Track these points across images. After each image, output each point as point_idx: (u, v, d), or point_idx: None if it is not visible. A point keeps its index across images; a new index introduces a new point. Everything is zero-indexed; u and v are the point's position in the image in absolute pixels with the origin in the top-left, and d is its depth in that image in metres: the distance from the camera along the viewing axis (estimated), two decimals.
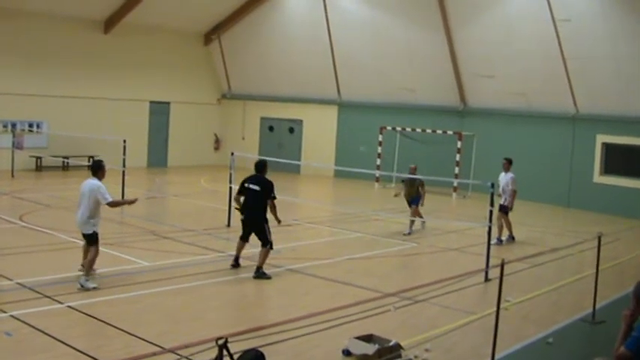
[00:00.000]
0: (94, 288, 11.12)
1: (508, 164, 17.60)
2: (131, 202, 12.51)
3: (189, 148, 33.12)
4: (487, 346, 8.71)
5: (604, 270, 12.79)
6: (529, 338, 9.91)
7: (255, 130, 33.78)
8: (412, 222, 18.32)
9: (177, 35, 31.91)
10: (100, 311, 10.02)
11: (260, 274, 12.66)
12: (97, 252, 11.48)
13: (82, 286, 11.11)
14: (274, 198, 12.92)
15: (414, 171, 18.35)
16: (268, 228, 12.92)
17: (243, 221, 13.13)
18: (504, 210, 17.45)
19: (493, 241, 17.03)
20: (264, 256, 12.80)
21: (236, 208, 13.43)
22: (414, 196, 18.44)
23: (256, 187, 12.88)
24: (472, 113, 28.38)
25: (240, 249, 13.23)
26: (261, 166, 13.22)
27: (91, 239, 11.48)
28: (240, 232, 13.25)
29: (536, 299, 12.25)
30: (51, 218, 17.61)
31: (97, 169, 11.73)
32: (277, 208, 13.04)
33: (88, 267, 11.35)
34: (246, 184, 13.02)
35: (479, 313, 10.92)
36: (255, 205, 12.91)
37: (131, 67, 30.16)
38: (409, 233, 18.14)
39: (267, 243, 12.83)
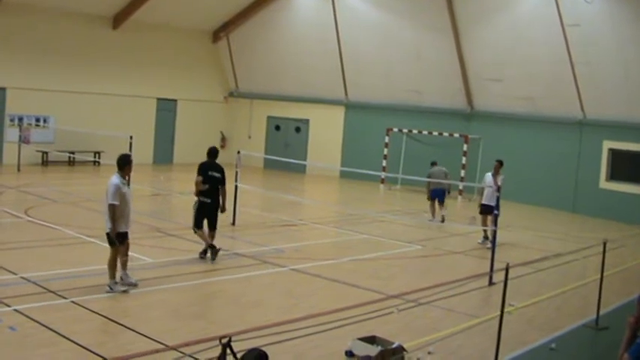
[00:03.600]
0: (125, 291, 10.99)
1: (500, 166, 17.72)
2: (112, 231, 10.88)
3: (196, 146, 33.00)
4: (490, 350, 8.72)
5: (608, 276, 12.77)
6: (532, 343, 9.90)
7: (262, 129, 33.80)
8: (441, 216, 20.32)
9: (185, 33, 31.95)
10: (103, 307, 10.04)
11: (216, 250, 13.58)
12: (114, 252, 10.98)
13: (110, 289, 10.86)
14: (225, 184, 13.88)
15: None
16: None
17: (205, 207, 13.65)
18: (489, 210, 16.75)
19: (479, 240, 17.71)
20: (214, 237, 13.77)
21: (206, 202, 13.80)
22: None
23: (218, 175, 13.69)
24: (479, 116, 28.35)
25: (206, 236, 13.70)
26: (216, 153, 14.15)
27: (109, 240, 10.97)
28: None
29: (540, 304, 12.23)
30: (56, 213, 17.64)
31: (123, 164, 11.10)
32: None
33: (111, 270, 10.98)
34: (209, 173, 13.69)
35: (482, 317, 10.91)
36: (215, 191, 13.71)
37: (139, 63, 30.21)
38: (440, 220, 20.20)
39: (216, 226, 13.79)
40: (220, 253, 13.57)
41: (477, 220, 18.57)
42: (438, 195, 20.50)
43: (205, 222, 13.75)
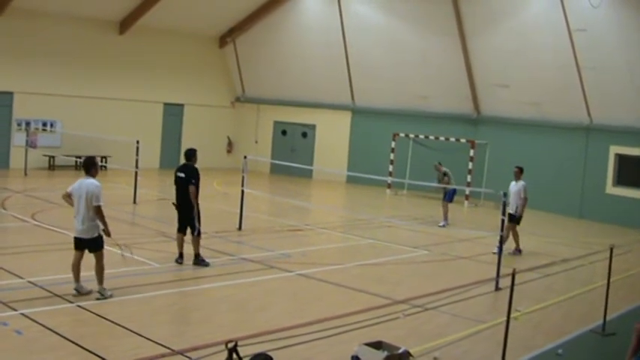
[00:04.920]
0: (111, 296, 10.78)
1: (520, 172, 17.27)
2: (106, 232, 10.82)
3: (202, 151, 32.48)
4: (497, 355, 8.70)
5: (615, 282, 12.72)
6: (539, 348, 9.87)
7: (268, 134, 33.81)
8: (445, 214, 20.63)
9: (192, 38, 32.01)
10: (109, 311, 10.05)
11: (199, 261, 13.35)
12: (100, 256, 10.82)
13: (102, 295, 10.71)
14: (194, 184, 13.30)
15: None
16: (197, 215, 13.37)
17: (176, 209, 13.58)
18: (515, 220, 17.07)
19: (510, 250, 16.74)
20: (196, 243, 13.38)
21: (173, 204, 13.81)
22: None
23: (182, 175, 13.47)
24: (485, 122, 28.32)
25: (181, 243, 13.52)
26: (190, 154, 13.78)
27: (98, 244, 10.80)
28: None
29: (547, 309, 12.20)
30: (63, 217, 17.59)
31: (90, 166, 10.89)
32: (199, 196, 13.54)
33: (101, 275, 10.77)
34: (176, 174, 13.63)
35: (489, 322, 10.89)
36: (183, 192, 13.42)
37: (146, 68, 30.28)
38: (443, 225, 20.41)
39: (194, 230, 13.35)
40: (228, 258, 13.54)
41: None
42: (454, 193, 21.14)
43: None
